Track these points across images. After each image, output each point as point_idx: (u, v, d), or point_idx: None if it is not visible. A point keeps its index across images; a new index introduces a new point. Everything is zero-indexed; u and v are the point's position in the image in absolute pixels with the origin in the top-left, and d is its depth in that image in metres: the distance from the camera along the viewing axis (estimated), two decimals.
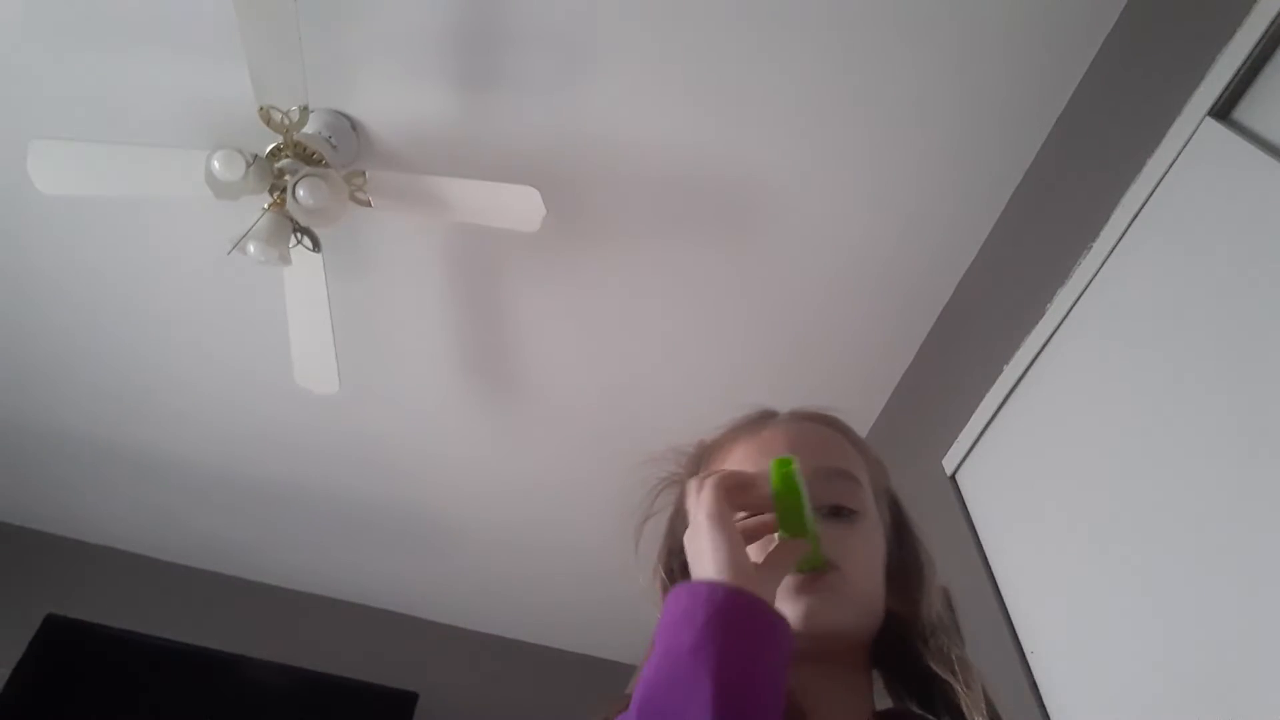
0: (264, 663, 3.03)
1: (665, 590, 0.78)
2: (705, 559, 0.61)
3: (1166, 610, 1.24)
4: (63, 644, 2.94)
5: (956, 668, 0.70)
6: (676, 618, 0.56)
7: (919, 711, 0.71)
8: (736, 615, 0.55)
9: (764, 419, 0.84)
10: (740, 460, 0.78)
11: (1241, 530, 1.15)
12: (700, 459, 0.83)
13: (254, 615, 3.19)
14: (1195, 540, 1.22)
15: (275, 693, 3.00)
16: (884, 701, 0.75)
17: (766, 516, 0.67)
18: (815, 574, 0.68)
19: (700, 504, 0.64)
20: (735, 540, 0.61)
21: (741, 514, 0.67)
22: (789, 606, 0.67)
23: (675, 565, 0.79)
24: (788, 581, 0.66)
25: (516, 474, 2.76)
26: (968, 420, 1.84)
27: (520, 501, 2.84)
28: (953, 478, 1.87)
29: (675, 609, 0.57)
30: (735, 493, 0.65)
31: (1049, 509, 1.56)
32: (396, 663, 3.16)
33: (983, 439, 1.80)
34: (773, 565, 0.63)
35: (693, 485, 0.67)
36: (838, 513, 0.73)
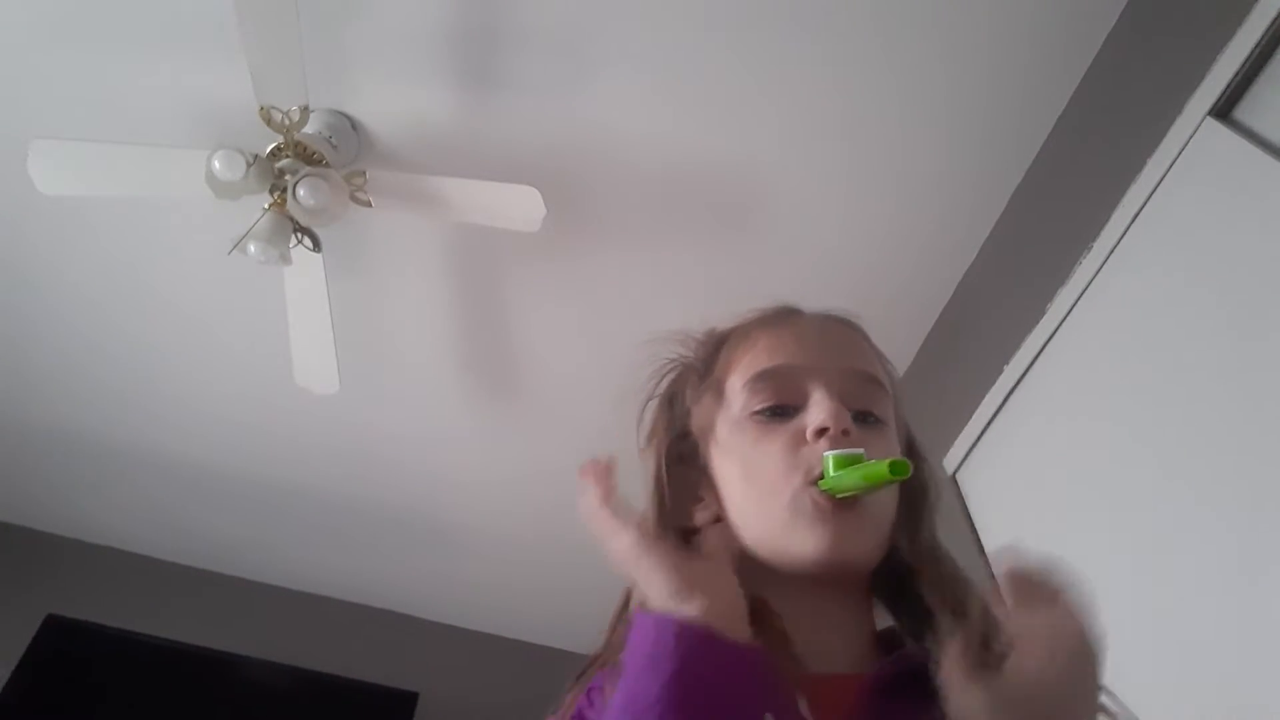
0: (264, 663, 3.03)
1: (659, 477, 0.73)
2: (650, 591, 0.57)
3: (1168, 610, 1.24)
4: (63, 644, 2.93)
5: (951, 596, 0.66)
6: (641, 663, 0.53)
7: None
8: (699, 666, 0.52)
9: (788, 312, 0.79)
10: (767, 351, 0.72)
11: (1243, 530, 1.15)
12: (716, 346, 0.78)
13: (254, 615, 3.19)
14: (1197, 540, 1.22)
15: (275, 693, 3.00)
16: (884, 623, 0.72)
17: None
18: (843, 502, 0.63)
19: (607, 537, 0.62)
20: (666, 561, 0.58)
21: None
22: (813, 533, 0.63)
23: (674, 454, 0.74)
24: (811, 503, 0.63)
25: (516, 473, 2.75)
26: (968, 420, 1.84)
27: (520, 501, 2.84)
28: (953, 478, 1.87)
29: (642, 646, 0.54)
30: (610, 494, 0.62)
31: (1050, 509, 1.56)
32: (396, 663, 3.16)
33: (983, 439, 1.80)
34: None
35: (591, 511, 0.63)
36: (864, 418, 0.69)
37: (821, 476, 0.64)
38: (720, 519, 0.70)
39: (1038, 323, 1.69)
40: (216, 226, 2.01)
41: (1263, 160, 1.27)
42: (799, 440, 0.67)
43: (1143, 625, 1.28)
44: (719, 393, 0.74)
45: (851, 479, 0.61)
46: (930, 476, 0.76)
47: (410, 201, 1.92)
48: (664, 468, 0.73)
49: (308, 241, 1.98)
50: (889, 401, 0.73)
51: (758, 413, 0.70)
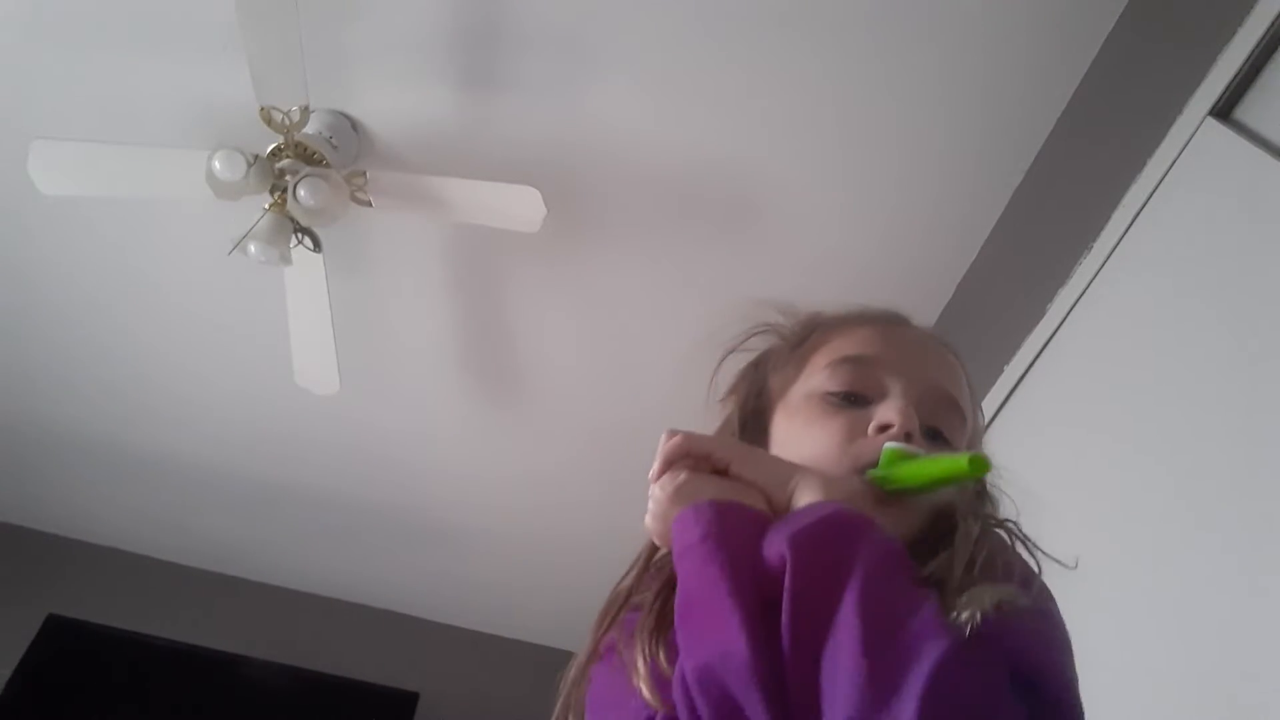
0: (264, 663, 3.03)
1: (735, 425, 0.75)
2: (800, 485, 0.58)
3: (1169, 610, 1.24)
4: (63, 644, 2.94)
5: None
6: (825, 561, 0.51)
7: None
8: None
9: (897, 318, 0.79)
10: (861, 341, 0.72)
11: (1246, 530, 1.15)
12: (813, 325, 0.78)
13: (254, 615, 3.19)
14: (1199, 540, 1.22)
15: (275, 693, 3.00)
16: None
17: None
18: (886, 494, 0.61)
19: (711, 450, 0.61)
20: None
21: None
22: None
23: (753, 407, 0.75)
24: (866, 494, 0.61)
25: (517, 473, 2.75)
26: None
27: (521, 501, 2.84)
28: None
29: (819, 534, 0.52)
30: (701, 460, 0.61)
31: (1049, 509, 1.56)
32: (396, 663, 3.16)
33: (982, 439, 1.80)
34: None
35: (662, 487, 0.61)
36: (934, 435, 0.69)
37: (870, 466, 0.63)
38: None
39: (1038, 323, 1.69)
40: (216, 227, 2.01)
41: (1263, 160, 1.27)
42: (859, 429, 0.66)
43: (1146, 625, 1.27)
44: (801, 366, 0.74)
45: (922, 470, 0.60)
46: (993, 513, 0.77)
47: (410, 201, 1.92)
48: (739, 422, 0.74)
49: (308, 241, 1.98)
50: (963, 433, 0.72)
51: (830, 394, 0.69)
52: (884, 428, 0.65)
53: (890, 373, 0.69)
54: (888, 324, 0.76)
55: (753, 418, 0.75)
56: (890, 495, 0.61)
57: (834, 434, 0.66)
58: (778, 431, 0.72)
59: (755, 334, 0.81)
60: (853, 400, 0.69)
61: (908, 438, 0.64)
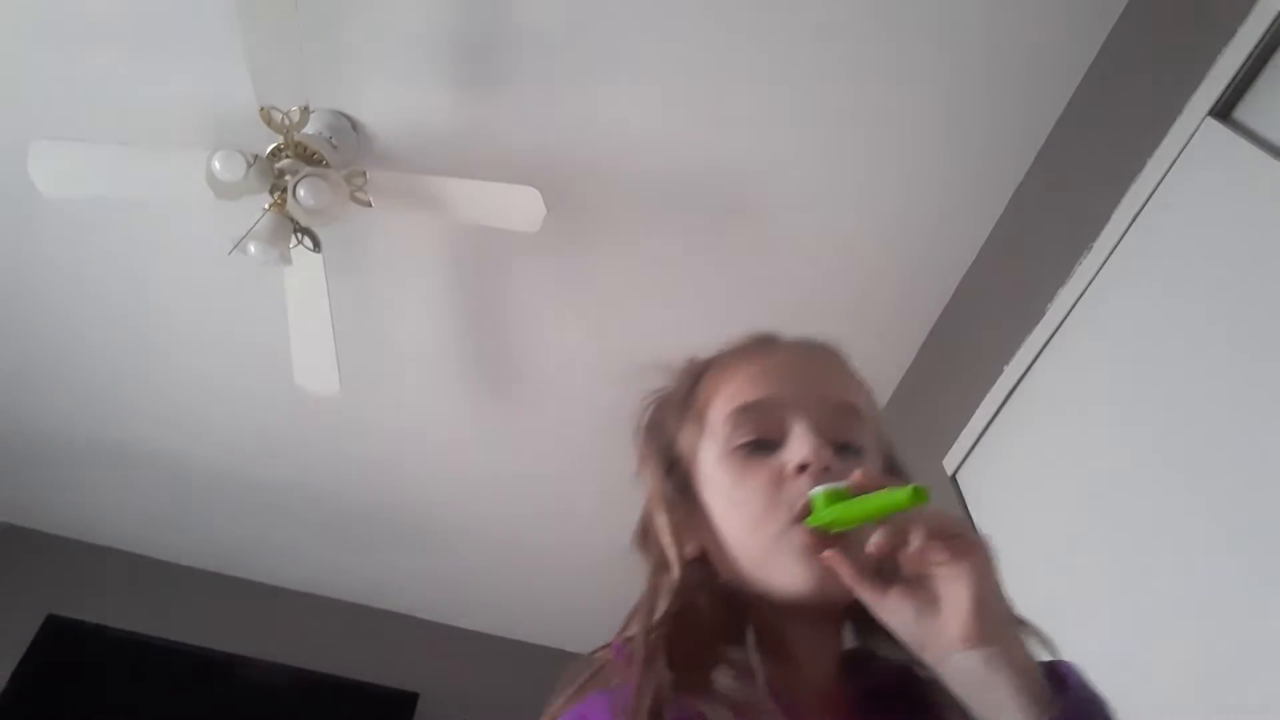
0: (264, 663, 3.03)
1: (663, 499, 0.74)
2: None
3: (1169, 611, 1.24)
4: (63, 644, 2.93)
5: None
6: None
7: (883, 654, 0.68)
8: None
9: (766, 343, 0.80)
10: (746, 385, 0.73)
11: (1246, 530, 1.15)
12: (696, 377, 0.79)
13: (254, 615, 3.19)
14: (1199, 540, 1.22)
15: (275, 693, 3.00)
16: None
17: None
18: (832, 537, 0.63)
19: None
20: None
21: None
22: (801, 570, 0.64)
23: (674, 478, 0.75)
24: (799, 543, 0.63)
25: (517, 473, 2.75)
26: (968, 420, 1.84)
27: (521, 501, 2.84)
28: (953, 478, 1.87)
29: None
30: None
31: (1050, 509, 1.56)
32: (396, 663, 3.16)
33: (983, 439, 1.80)
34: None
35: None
36: (845, 449, 0.70)
37: (805, 513, 0.64)
38: (703, 554, 0.71)
39: (1038, 323, 1.69)
40: (217, 227, 2.01)
41: (1263, 160, 1.27)
42: (782, 476, 0.67)
43: (1145, 626, 1.28)
44: (700, 424, 0.75)
45: (861, 508, 0.60)
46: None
47: (410, 201, 1.92)
48: (665, 491, 0.75)
49: (308, 241, 1.98)
50: (868, 429, 0.74)
51: (740, 447, 0.70)
52: (802, 467, 0.66)
53: (786, 407, 0.71)
54: (763, 353, 0.77)
55: (677, 488, 0.75)
56: (837, 539, 0.62)
57: (761, 488, 0.68)
58: (710, 498, 0.72)
59: (649, 406, 0.82)
60: (762, 446, 0.70)
61: (825, 469, 0.66)
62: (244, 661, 3.02)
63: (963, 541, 0.58)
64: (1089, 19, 1.74)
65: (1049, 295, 1.68)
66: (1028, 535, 1.60)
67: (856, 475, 0.62)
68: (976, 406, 1.82)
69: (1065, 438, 1.58)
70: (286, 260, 1.92)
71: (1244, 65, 1.34)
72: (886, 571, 0.60)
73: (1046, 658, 0.61)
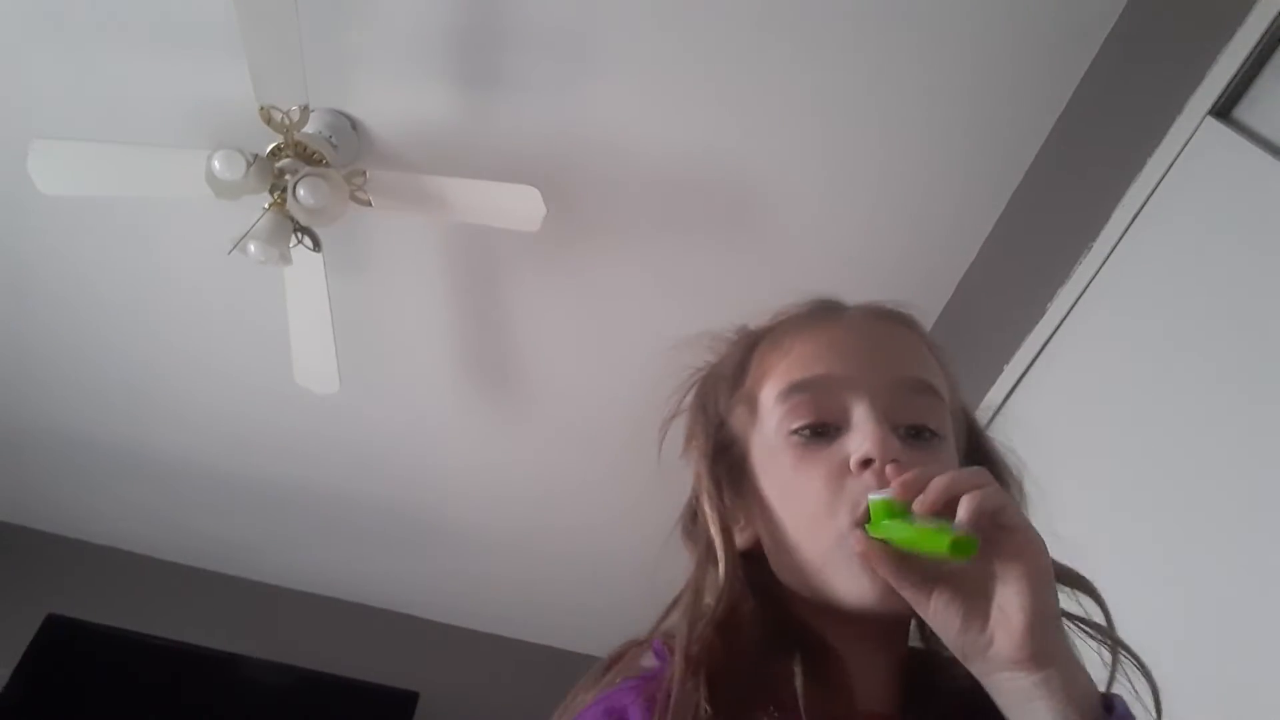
0: (264, 663, 3.03)
1: (711, 484, 0.66)
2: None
3: (1170, 610, 1.24)
4: (63, 644, 2.93)
5: None
6: None
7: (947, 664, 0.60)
8: None
9: (830, 311, 0.71)
10: (803, 360, 0.64)
11: (1248, 527, 1.15)
12: (748, 350, 0.70)
13: (254, 615, 3.19)
14: (1198, 540, 1.22)
15: (275, 693, 3.00)
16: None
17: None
18: (897, 550, 0.55)
19: None
20: None
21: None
22: (860, 582, 0.57)
23: (720, 471, 0.67)
24: (859, 555, 0.55)
25: (516, 473, 2.75)
26: None
27: (520, 501, 2.84)
28: None
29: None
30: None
31: (1049, 509, 1.56)
32: (396, 663, 3.16)
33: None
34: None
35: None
36: (919, 434, 0.62)
37: (868, 517, 0.56)
38: (756, 545, 0.65)
39: (1038, 323, 1.69)
40: (216, 226, 2.01)
41: (1263, 160, 1.27)
42: (842, 471, 0.60)
43: (1146, 625, 1.27)
44: (752, 406, 0.67)
45: (908, 538, 0.53)
46: (1010, 476, 0.70)
47: (410, 201, 1.92)
48: (713, 476, 0.66)
49: (308, 241, 1.98)
50: (946, 411, 0.65)
51: (795, 432, 0.62)
52: (865, 462, 0.59)
53: (847, 386, 0.62)
54: (823, 323, 0.69)
55: (728, 473, 0.67)
56: (900, 554, 0.55)
57: (818, 487, 0.60)
58: (765, 487, 0.64)
59: (692, 386, 0.74)
60: (820, 432, 0.62)
61: (893, 463, 0.58)
62: (244, 661, 3.02)
63: (1020, 536, 0.52)
64: (1089, 18, 1.74)
65: (1049, 295, 1.68)
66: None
67: (906, 478, 0.54)
68: (977, 407, 1.82)
69: (1066, 438, 1.58)
70: (286, 260, 1.92)
71: (1244, 65, 1.34)
72: (933, 570, 0.54)
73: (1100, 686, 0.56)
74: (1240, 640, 1.11)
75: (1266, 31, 1.31)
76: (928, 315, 2.22)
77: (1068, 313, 1.63)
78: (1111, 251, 1.55)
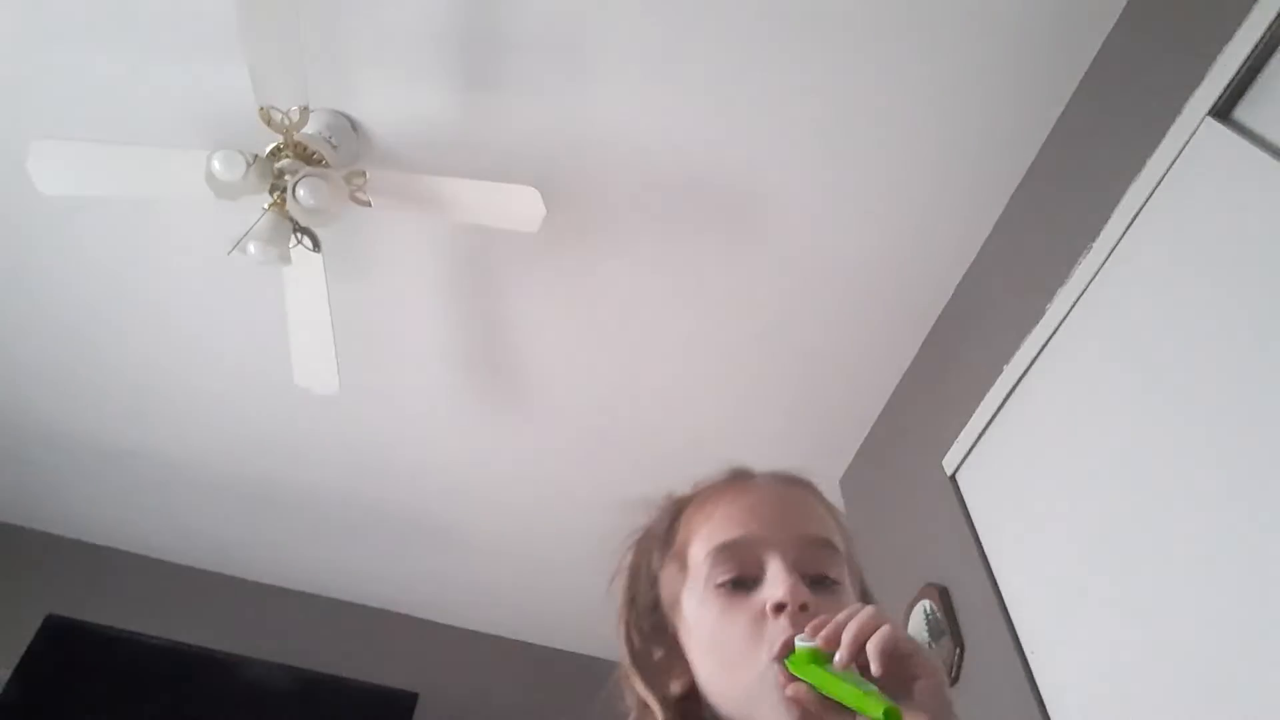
0: (264, 663, 3.03)
1: (632, 652, 0.78)
2: None
3: (1168, 610, 1.24)
4: (63, 644, 2.93)
5: None
6: None
7: None
8: None
9: (742, 478, 0.82)
10: (725, 524, 0.76)
11: (1243, 529, 1.15)
12: (675, 515, 0.81)
13: (254, 615, 3.19)
14: (1196, 540, 1.22)
15: (275, 693, 3.00)
16: None
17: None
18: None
19: None
20: None
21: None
22: (787, 714, 0.65)
23: (645, 627, 0.78)
24: (778, 685, 0.65)
25: (516, 474, 2.76)
26: (968, 420, 1.84)
27: (520, 501, 2.84)
28: (953, 478, 1.87)
29: None
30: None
31: (1049, 509, 1.56)
32: (396, 663, 3.16)
33: (983, 439, 1.80)
34: None
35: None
36: (821, 581, 0.73)
37: (785, 652, 0.66)
38: (692, 690, 0.74)
39: (1038, 323, 1.69)
40: (216, 227, 2.02)
41: (1263, 160, 1.27)
42: (762, 615, 0.70)
43: (1143, 625, 1.28)
44: (682, 563, 0.77)
45: (837, 689, 0.62)
46: None
47: (410, 201, 1.92)
48: (640, 637, 0.78)
49: (307, 241, 1.98)
50: (843, 560, 0.77)
51: (721, 585, 0.73)
52: (779, 607, 0.69)
53: (764, 547, 0.73)
54: (739, 491, 0.80)
55: (660, 628, 0.78)
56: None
57: (741, 630, 0.70)
58: (689, 642, 0.75)
59: (630, 548, 0.84)
60: (741, 584, 0.73)
61: (803, 608, 0.68)
62: (244, 661, 3.02)
63: (918, 659, 0.61)
64: (1088, 19, 1.74)
65: (1048, 295, 1.68)
66: (1027, 535, 1.60)
67: (826, 632, 0.63)
68: (976, 407, 1.82)
69: (1065, 438, 1.58)
70: (286, 260, 1.92)
71: (1244, 65, 1.34)
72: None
73: None
74: (1238, 628, 1.11)
75: (1266, 31, 1.31)
76: (928, 315, 2.23)
77: (1068, 313, 1.63)
78: (1111, 251, 1.55)
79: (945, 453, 1.89)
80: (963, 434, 1.85)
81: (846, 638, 0.62)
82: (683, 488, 0.84)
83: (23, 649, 2.87)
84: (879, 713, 0.59)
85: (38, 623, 2.93)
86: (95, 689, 2.93)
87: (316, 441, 2.73)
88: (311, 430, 2.68)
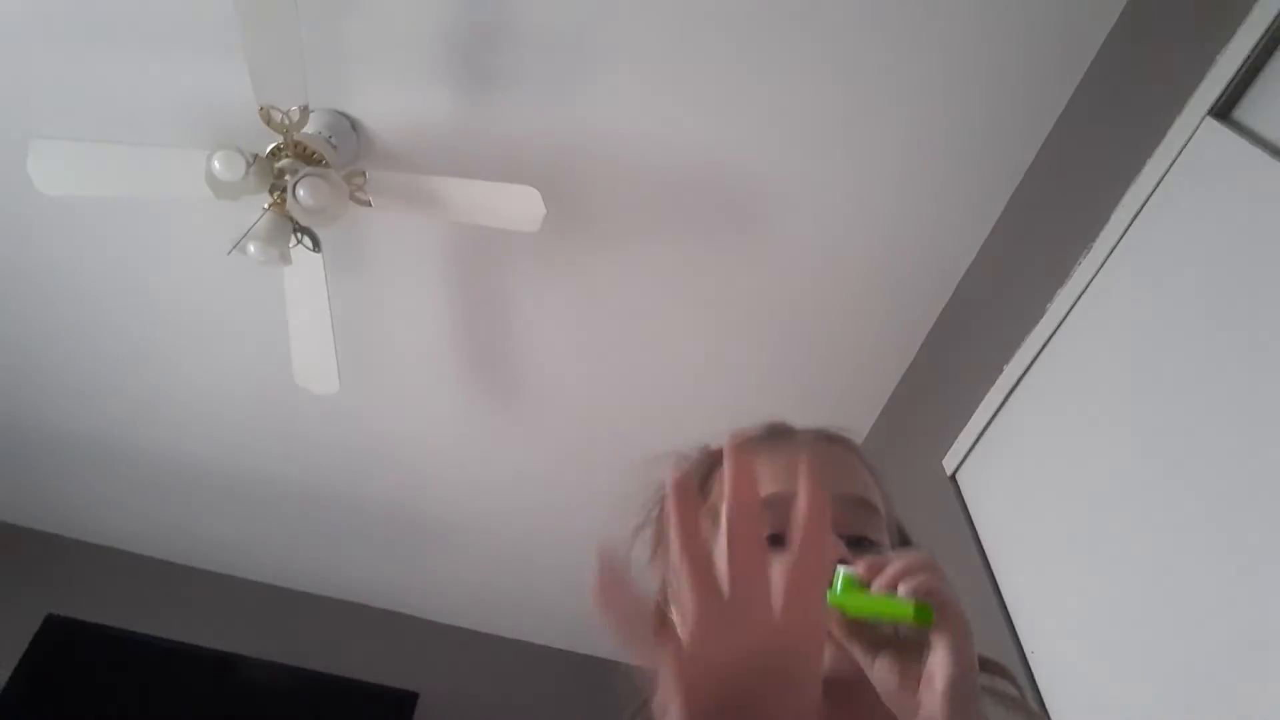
0: (264, 663, 3.03)
1: (664, 607, 0.75)
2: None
3: (1168, 610, 1.24)
4: (63, 644, 2.94)
5: None
6: None
7: None
8: None
9: (782, 435, 0.80)
10: (762, 480, 0.73)
11: (1244, 530, 1.15)
12: (710, 468, 0.79)
13: (254, 615, 3.19)
14: (1197, 540, 1.22)
15: (275, 693, 3.00)
16: None
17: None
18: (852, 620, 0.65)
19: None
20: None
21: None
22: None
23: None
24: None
25: (517, 473, 2.76)
26: (968, 420, 1.84)
27: (521, 501, 2.84)
28: (953, 478, 1.87)
29: None
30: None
31: (1049, 509, 1.56)
32: (396, 663, 3.16)
33: (983, 439, 1.80)
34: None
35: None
36: (859, 543, 0.72)
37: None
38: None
39: (1038, 323, 1.69)
40: (216, 226, 2.02)
41: (1263, 160, 1.27)
42: None
43: (1143, 625, 1.27)
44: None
45: (872, 606, 0.62)
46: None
47: (410, 201, 1.92)
48: (666, 588, 0.76)
49: (308, 241, 1.98)
50: (882, 522, 0.76)
51: None
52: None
53: None
54: (779, 447, 0.78)
55: None
56: (855, 621, 0.64)
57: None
58: None
59: (659, 501, 0.81)
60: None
61: (841, 561, 0.67)
62: (244, 661, 3.02)
63: (950, 611, 0.60)
64: (1088, 19, 1.74)
65: (1048, 295, 1.68)
66: (1027, 535, 1.60)
67: (869, 559, 0.63)
68: (976, 406, 1.82)
69: (1065, 437, 1.58)
70: (286, 260, 1.92)
71: (1244, 65, 1.34)
72: (879, 639, 0.63)
73: None
74: (1238, 627, 1.11)
75: (1266, 31, 1.31)
76: (927, 315, 2.23)
77: (1068, 313, 1.63)
78: (1111, 251, 1.55)
79: (945, 453, 1.89)
80: (963, 434, 1.84)
81: (893, 566, 0.62)
82: (717, 440, 0.80)
83: (23, 649, 2.88)
84: (909, 611, 0.59)
85: (38, 623, 2.93)
86: (95, 689, 2.93)
87: (316, 441, 2.73)
88: (311, 430, 2.68)
